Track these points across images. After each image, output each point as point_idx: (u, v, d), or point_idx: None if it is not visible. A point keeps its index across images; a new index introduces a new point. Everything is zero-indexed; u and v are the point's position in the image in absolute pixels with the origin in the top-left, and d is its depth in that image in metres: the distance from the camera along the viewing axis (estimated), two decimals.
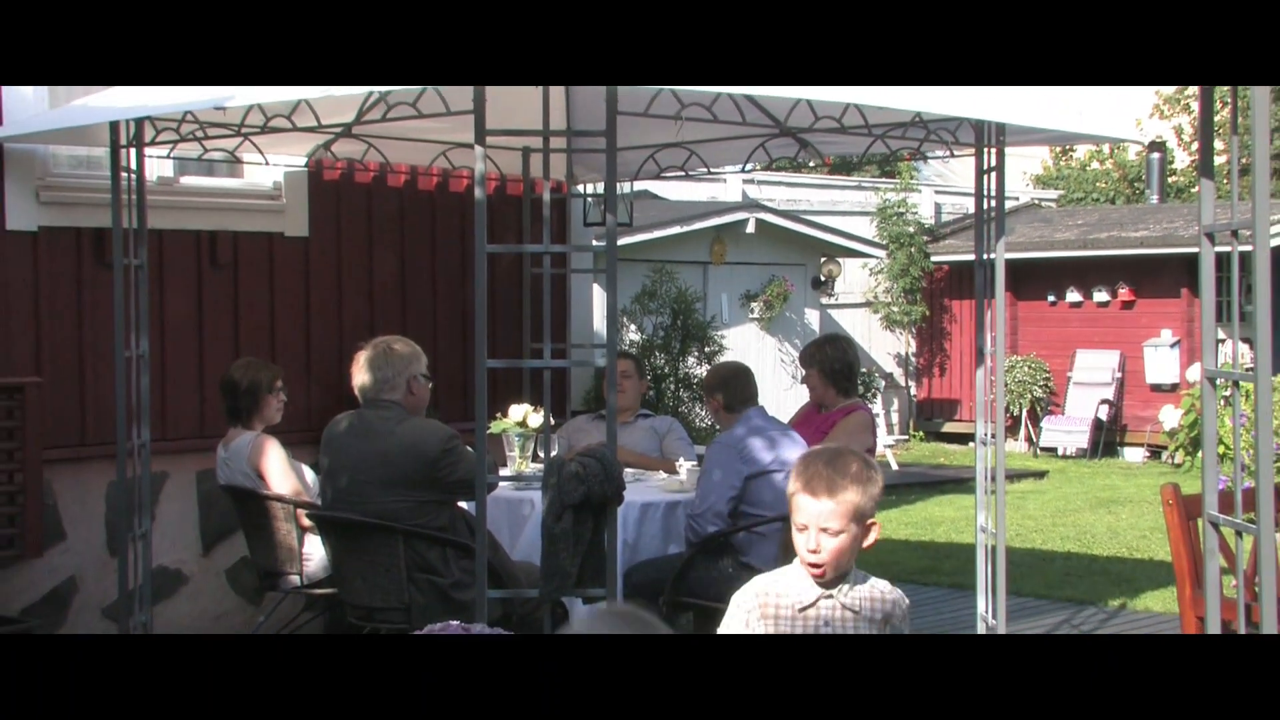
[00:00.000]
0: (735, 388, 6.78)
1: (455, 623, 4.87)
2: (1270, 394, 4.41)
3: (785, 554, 6.31)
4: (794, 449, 6.51)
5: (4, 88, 7.09)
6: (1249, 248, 4.48)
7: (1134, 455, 17.43)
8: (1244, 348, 8.25)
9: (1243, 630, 4.63)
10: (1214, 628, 4.77)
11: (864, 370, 15.74)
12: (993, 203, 6.87)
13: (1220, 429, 6.04)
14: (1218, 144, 4.68)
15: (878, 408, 17.66)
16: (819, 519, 3.50)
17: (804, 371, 7.57)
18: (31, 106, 7.15)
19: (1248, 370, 4.72)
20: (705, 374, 9.72)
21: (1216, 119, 4.46)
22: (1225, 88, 4.63)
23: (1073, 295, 18.19)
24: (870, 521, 3.60)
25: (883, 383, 18.48)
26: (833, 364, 7.32)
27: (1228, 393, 5.12)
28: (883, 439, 15.91)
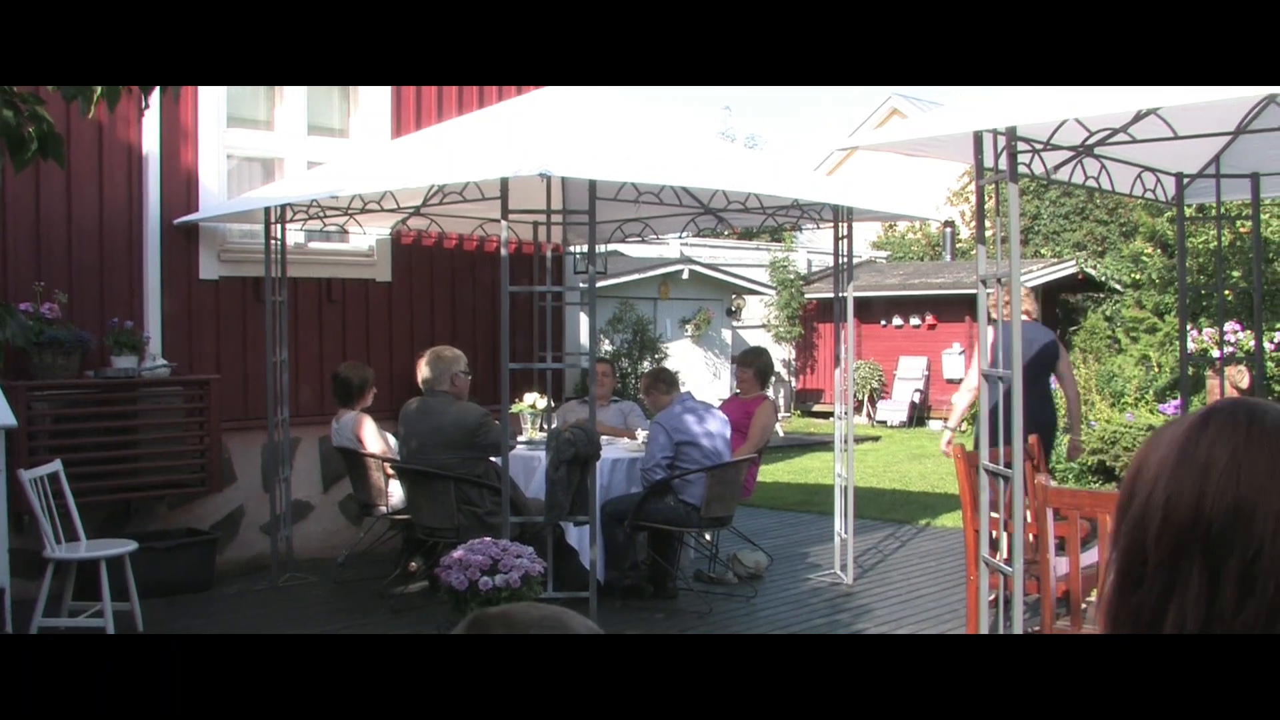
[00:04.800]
0: (664, 379, 6.78)
1: (488, 539, 4.83)
2: (1020, 385, 4.42)
3: (708, 491, 6.29)
4: (715, 421, 6.45)
5: (200, 189, 7.01)
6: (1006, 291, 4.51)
7: (936, 425, 17.43)
8: None
9: (1003, 537, 4.63)
10: (984, 537, 4.78)
11: None
12: (845, 259, 6.88)
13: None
14: (987, 222, 4.71)
15: (771, 394, 17.61)
16: None
17: (742, 368, 7.29)
18: (215, 198, 7.09)
19: (1006, 370, 4.73)
20: (641, 378, 8.53)
21: (987, 205, 4.48)
22: (991, 186, 4.63)
23: (897, 320, 18.23)
24: None
25: (774, 379, 18.45)
26: (764, 367, 7.31)
27: None
28: None
